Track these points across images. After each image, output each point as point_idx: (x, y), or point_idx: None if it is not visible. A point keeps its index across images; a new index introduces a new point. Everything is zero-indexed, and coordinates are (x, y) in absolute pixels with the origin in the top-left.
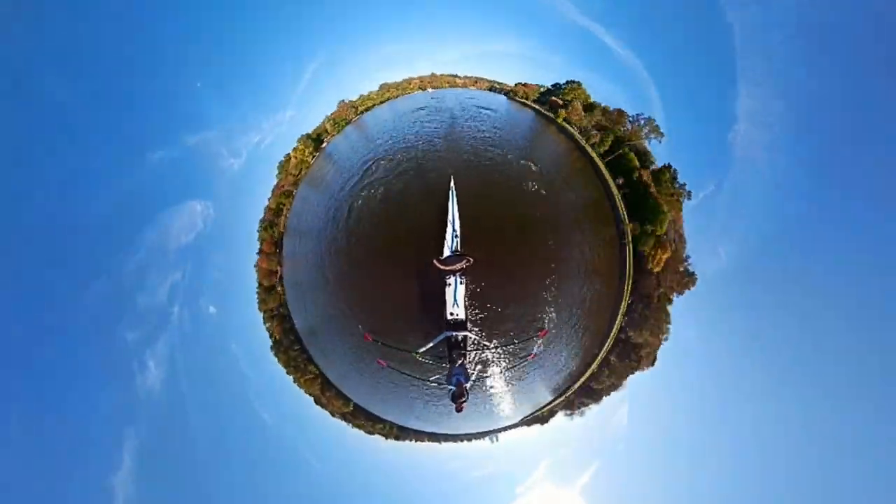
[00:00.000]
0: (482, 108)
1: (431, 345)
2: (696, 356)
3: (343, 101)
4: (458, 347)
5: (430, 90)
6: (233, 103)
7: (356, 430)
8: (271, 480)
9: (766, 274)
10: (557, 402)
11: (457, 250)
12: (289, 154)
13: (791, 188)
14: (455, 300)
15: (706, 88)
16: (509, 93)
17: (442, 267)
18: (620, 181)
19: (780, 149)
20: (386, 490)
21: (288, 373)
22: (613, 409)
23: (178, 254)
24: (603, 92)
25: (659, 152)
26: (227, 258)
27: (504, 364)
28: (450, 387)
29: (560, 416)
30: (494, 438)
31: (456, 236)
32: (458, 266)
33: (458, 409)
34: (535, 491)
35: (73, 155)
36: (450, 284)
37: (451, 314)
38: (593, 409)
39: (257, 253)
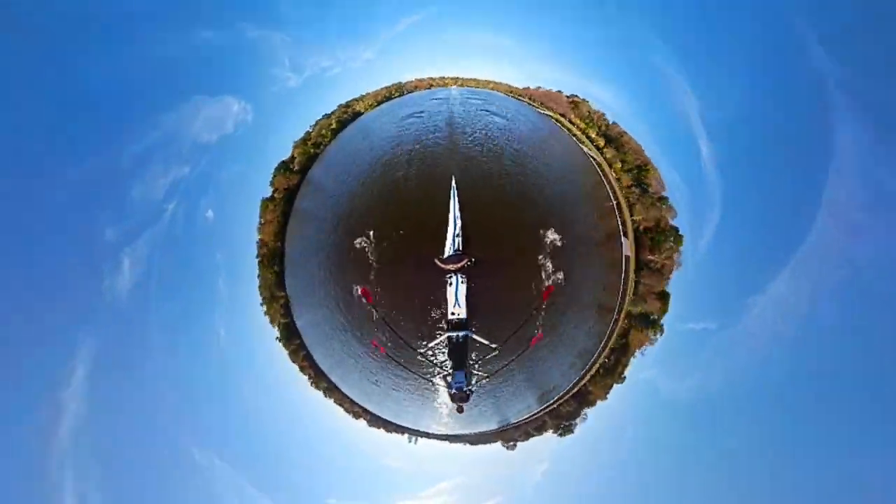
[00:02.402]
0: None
1: (433, 344)
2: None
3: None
4: (461, 348)
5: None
6: (319, 12)
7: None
8: (205, 400)
9: (714, 425)
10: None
11: (459, 250)
12: None
13: (776, 385)
14: (457, 300)
15: (758, 248)
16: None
17: (443, 266)
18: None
19: (787, 343)
20: (300, 442)
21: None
22: (534, 459)
23: (194, 149)
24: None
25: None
26: (247, 168)
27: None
28: (452, 390)
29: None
30: (414, 440)
31: (458, 235)
32: (461, 265)
33: (460, 411)
34: (438, 500)
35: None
36: (451, 284)
37: (453, 314)
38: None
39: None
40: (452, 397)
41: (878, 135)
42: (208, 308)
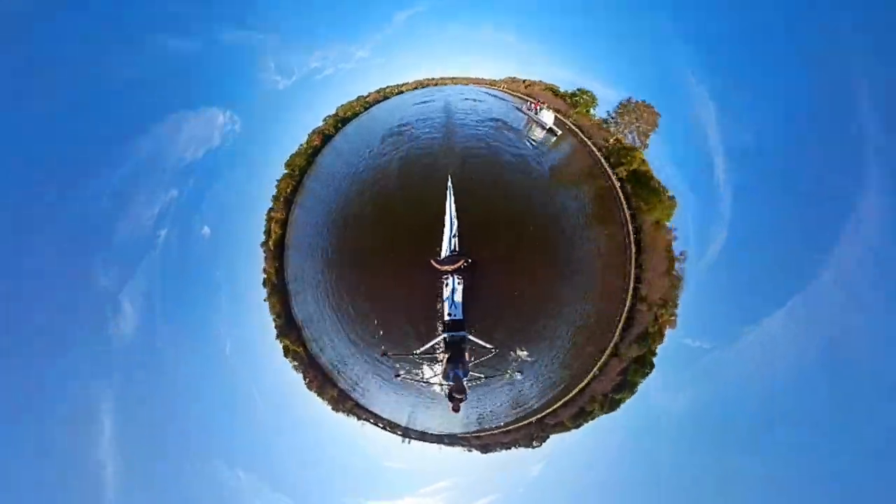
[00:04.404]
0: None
1: (430, 345)
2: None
3: None
4: (458, 348)
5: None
6: (303, 9)
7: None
8: (225, 418)
9: (699, 437)
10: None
11: (456, 250)
12: None
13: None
14: (453, 300)
15: (759, 282)
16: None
17: (439, 267)
18: None
19: (769, 379)
20: (308, 446)
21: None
22: (530, 460)
23: (180, 171)
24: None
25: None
26: (241, 177)
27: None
28: (448, 383)
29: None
30: (407, 441)
31: (455, 236)
32: (455, 266)
33: (455, 410)
34: (436, 498)
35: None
36: (447, 284)
37: (450, 314)
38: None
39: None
40: (449, 397)
41: None
42: (214, 325)
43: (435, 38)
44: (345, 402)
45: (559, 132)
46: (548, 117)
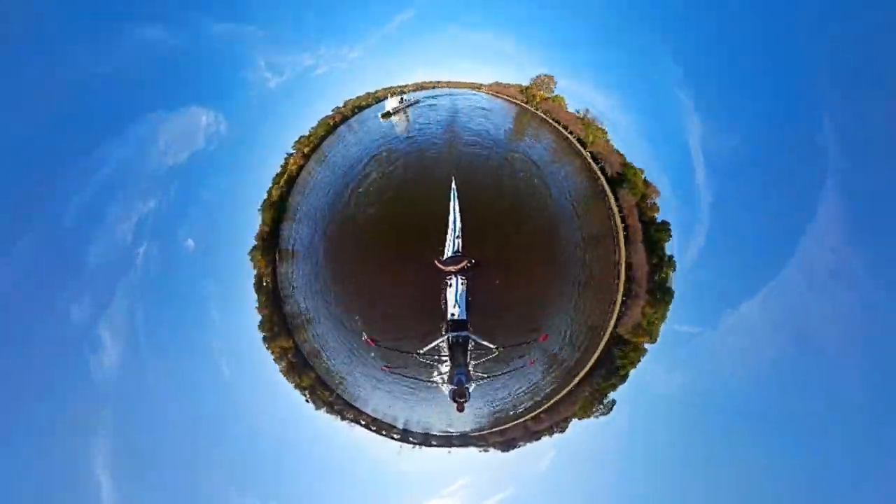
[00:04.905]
0: None
1: (432, 345)
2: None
3: None
4: (460, 348)
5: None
6: (296, 3)
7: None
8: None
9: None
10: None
11: (458, 251)
12: None
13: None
14: (456, 300)
15: (736, 272)
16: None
17: (443, 267)
18: None
19: (747, 359)
20: (313, 459)
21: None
22: (541, 451)
23: (159, 177)
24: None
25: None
26: (228, 182)
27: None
28: (451, 386)
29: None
30: (418, 446)
31: (458, 236)
32: (459, 266)
33: (460, 409)
34: (454, 498)
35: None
36: (451, 285)
37: (453, 314)
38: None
39: None
40: (452, 397)
41: (855, 218)
42: (206, 343)
43: (431, 41)
44: (350, 412)
45: (399, 107)
46: (390, 103)
